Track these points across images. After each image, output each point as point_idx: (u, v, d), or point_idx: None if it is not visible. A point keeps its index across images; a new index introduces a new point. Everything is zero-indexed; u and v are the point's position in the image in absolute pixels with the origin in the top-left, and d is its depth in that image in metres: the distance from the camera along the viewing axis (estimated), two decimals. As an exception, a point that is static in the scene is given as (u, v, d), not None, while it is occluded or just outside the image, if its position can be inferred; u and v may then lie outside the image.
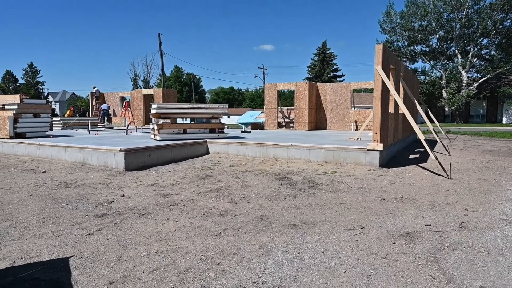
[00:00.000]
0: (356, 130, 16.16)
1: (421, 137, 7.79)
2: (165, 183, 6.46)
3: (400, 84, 10.55)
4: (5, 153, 10.35)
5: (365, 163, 7.71)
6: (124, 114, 22.15)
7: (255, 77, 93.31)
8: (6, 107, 11.85)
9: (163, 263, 3.23)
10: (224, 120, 10.87)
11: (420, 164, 8.22)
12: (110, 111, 22.62)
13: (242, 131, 14.62)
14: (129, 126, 15.99)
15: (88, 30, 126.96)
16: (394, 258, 3.28)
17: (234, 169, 7.60)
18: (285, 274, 2.98)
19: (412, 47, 46.00)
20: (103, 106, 22.13)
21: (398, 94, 9.05)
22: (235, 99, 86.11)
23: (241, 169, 7.52)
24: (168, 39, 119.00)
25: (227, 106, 10.71)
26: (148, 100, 22.44)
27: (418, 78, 40.75)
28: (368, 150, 7.67)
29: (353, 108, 17.44)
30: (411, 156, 9.80)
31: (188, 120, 12.34)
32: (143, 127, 17.75)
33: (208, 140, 9.74)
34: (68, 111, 25.81)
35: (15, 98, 11.94)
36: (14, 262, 3.29)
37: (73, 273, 3.07)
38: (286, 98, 60.27)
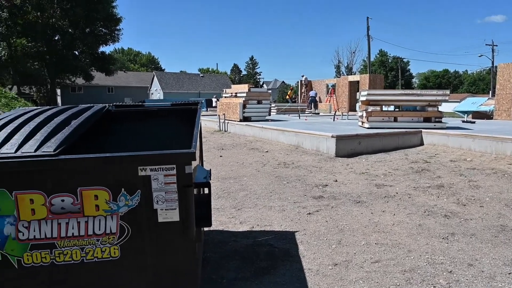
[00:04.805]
0: None
1: None
2: (376, 172, 6.28)
3: None
4: (237, 133, 12.49)
5: None
6: (329, 101, 22.98)
7: (480, 56, 77.55)
8: (238, 95, 14.26)
9: (385, 257, 3.11)
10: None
11: None
12: (317, 98, 23.87)
13: (463, 121, 12.63)
14: (336, 112, 16.43)
15: (297, 25, 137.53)
16: None
17: (456, 164, 6.63)
18: (549, 307, 2.34)
19: None
20: (311, 93, 23.52)
21: None
22: (449, 83, 75.35)
23: (466, 166, 6.47)
24: (374, 22, 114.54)
25: (448, 92, 9.40)
26: (353, 86, 22.44)
27: None
28: None
29: None
30: None
31: (392, 108, 11.59)
32: (348, 114, 17.90)
33: (422, 130, 8.85)
34: (289, 91, 28.11)
35: (244, 88, 14.21)
36: (253, 227, 3.88)
37: (300, 247, 3.36)
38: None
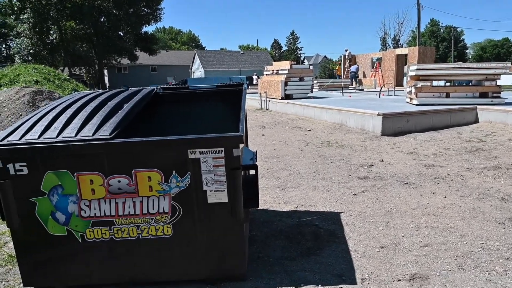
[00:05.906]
0: None
1: None
2: (425, 152, 6.00)
3: None
4: (279, 111, 12.41)
5: None
6: (374, 76, 22.03)
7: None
8: (280, 72, 14.06)
9: (435, 241, 3.00)
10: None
11: None
12: (360, 73, 22.92)
13: (524, 96, 11.61)
14: (382, 88, 15.75)
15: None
16: None
17: (516, 143, 6.17)
18: None
19: None
20: (352, 68, 22.61)
21: None
22: (509, 53, 69.08)
23: (528, 145, 6.00)
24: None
25: (509, 64, 8.65)
26: (400, 60, 21.27)
27: None
28: None
29: None
30: None
31: (442, 82, 10.90)
32: (395, 89, 17.10)
33: (478, 106, 8.27)
34: (337, 67, 27.19)
35: (286, 65, 13.96)
36: (297, 207, 3.90)
37: (345, 228, 3.33)
38: None
